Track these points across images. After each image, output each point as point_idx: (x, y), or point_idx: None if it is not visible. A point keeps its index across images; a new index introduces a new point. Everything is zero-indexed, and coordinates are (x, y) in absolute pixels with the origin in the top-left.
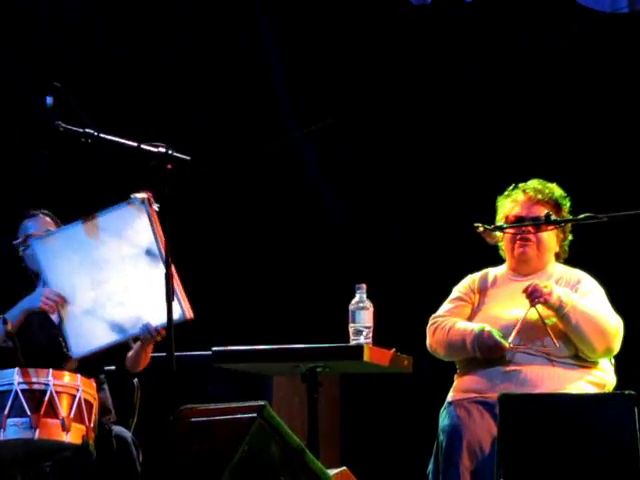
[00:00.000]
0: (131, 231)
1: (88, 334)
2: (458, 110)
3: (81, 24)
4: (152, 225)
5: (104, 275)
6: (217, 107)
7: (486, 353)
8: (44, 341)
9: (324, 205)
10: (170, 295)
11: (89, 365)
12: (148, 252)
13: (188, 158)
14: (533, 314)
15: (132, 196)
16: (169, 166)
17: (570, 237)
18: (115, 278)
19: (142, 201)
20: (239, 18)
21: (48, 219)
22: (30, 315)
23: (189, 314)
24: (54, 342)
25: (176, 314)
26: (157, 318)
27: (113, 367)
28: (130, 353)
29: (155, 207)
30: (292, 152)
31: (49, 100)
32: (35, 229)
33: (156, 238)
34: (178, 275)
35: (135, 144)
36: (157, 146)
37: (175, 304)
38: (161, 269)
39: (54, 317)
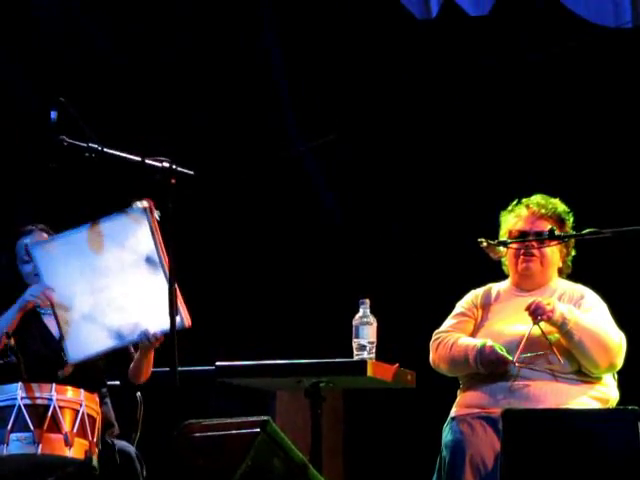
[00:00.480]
0: (132, 239)
1: (86, 340)
2: (460, 122)
3: (81, 24)
4: (153, 233)
5: (104, 282)
6: (217, 107)
7: (489, 368)
8: (44, 351)
9: (327, 217)
10: (173, 306)
11: (91, 379)
12: (148, 260)
13: (192, 173)
14: (536, 331)
15: (133, 204)
16: (173, 181)
17: (573, 252)
18: (115, 285)
19: (143, 209)
20: (239, 18)
21: (45, 235)
22: (30, 326)
23: (187, 322)
24: (54, 352)
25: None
26: (155, 325)
27: (116, 382)
28: (132, 364)
29: (156, 215)
30: (294, 163)
31: (53, 115)
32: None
33: (157, 246)
34: (179, 286)
35: (139, 159)
36: (161, 161)
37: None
38: (161, 277)
39: (54, 331)
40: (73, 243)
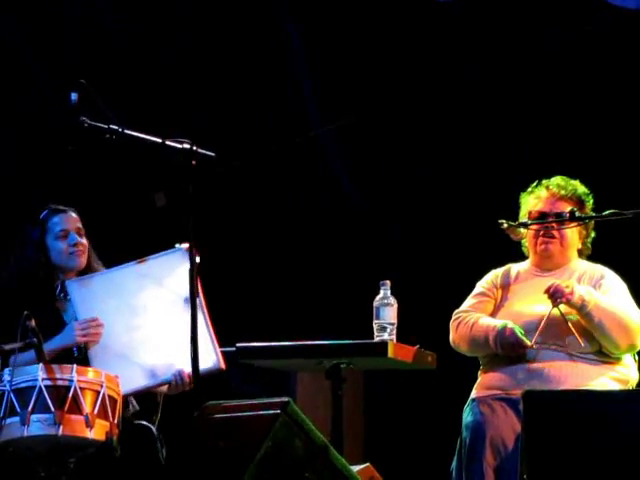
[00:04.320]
0: (172, 278)
1: (120, 378)
2: (482, 104)
3: (81, 22)
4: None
5: (140, 320)
6: (217, 108)
7: (507, 350)
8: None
9: (348, 200)
10: (194, 328)
11: None
12: (187, 300)
13: (213, 154)
14: (556, 313)
15: (176, 245)
16: (194, 162)
17: (593, 234)
18: (151, 324)
19: (185, 250)
20: (239, 18)
21: (74, 215)
22: (48, 323)
23: (222, 364)
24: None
25: (210, 362)
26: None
27: None
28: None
29: (197, 259)
30: (312, 147)
31: (74, 96)
32: (62, 225)
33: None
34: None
35: (160, 140)
36: (182, 142)
37: (211, 351)
38: (198, 318)
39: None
40: (110, 281)
